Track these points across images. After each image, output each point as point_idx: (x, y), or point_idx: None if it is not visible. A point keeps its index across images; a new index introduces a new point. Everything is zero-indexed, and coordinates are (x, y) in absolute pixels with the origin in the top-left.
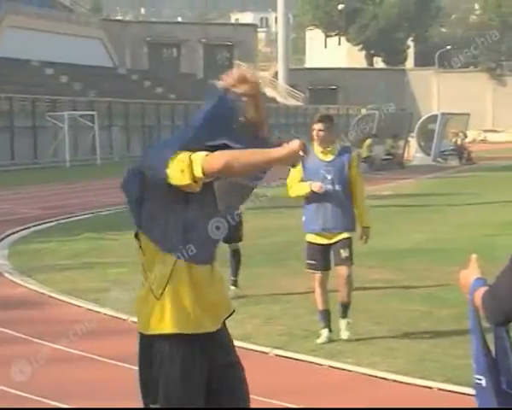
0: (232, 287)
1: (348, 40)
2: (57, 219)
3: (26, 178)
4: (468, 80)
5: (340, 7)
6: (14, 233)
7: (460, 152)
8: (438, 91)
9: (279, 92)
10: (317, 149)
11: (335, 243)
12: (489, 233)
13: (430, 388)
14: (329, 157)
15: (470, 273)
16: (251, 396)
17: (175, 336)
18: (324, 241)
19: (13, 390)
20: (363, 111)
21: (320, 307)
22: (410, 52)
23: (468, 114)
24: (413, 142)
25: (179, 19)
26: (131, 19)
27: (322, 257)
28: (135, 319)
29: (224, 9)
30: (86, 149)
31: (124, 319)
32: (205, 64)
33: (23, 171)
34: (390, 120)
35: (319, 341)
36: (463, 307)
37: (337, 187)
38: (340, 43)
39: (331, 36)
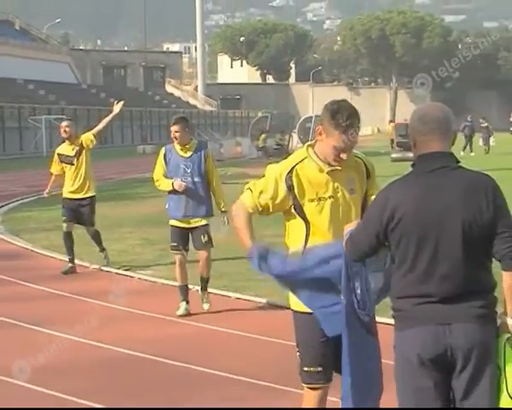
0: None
1: (248, 63)
2: (38, 194)
3: (14, 165)
4: (333, 91)
5: (242, 39)
6: (5, 205)
7: None
8: (312, 99)
9: (199, 101)
10: (177, 147)
11: (195, 228)
12: None
13: None
14: (188, 153)
15: (352, 224)
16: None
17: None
18: (185, 225)
19: (7, 319)
20: (259, 114)
21: (179, 282)
22: (292, 72)
23: None
24: (295, 136)
25: (126, 48)
26: (91, 48)
27: (182, 239)
28: (86, 264)
29: (158, 40)
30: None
31: (86, 266)
32: (144, 81)
33: (12, 160)
34: (278, 121)
35: (178, 312)
36: None
37: (196, 179)
38: (242, 65)
39: (236, 59)
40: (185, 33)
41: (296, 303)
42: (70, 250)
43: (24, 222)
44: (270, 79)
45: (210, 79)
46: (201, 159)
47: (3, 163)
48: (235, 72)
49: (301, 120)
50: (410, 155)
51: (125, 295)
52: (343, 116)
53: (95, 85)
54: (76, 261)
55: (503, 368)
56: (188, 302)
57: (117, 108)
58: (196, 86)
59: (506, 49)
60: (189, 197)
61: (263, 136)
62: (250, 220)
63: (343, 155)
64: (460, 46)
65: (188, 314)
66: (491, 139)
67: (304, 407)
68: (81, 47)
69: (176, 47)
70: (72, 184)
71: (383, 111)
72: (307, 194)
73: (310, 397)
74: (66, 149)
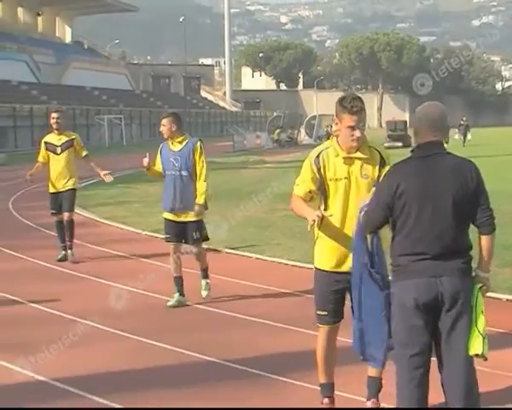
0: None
1: (265, 74)
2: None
3: None
4: (333, 96)
5: (261, 55)
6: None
7: (329, 136)
8: (316, 102)
9: (227, 103)
10: (170, 142)
11: (186, 223)
12: None
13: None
14: (178, 147)
15: (361, 200)
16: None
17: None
18: (175, 218)
19: (78, 273)
20: (274, 114)
21: (173, 273)
22: (300, 80)
23: (333, 115)
24: (302, 130)
25: (170, 62)
26: (143, 62)
27: (174, 232)
28: (149, 233)
29: (195, 56)
30: (117, 137)
31: (138, 232)
32: (184, 87)
33: None
34: (289, 119)
35: (169, 304)
36: None
37: (183, 173)
38: (260, 75)
39: (256, 71)
40: (216, 50)
41: (317, 262)
42: (62, 239)
43: (90, 198)
44: (282, 86)
45: (235, 86)
46: (190, 153)
47: None
48: (256, 80)
49: (307, 118)
50: (399, 144)
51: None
52: (347, 99)
53: (145, 91)
54: (130, 228)
55: (474, 308)
56: (182, 294)
57: (107, 179)
58: (225, 92)
59: (468, 64)
60: (176, 190)
61: (277, 131)
62: (304, 202)
63: (356, 132)
64: (432, 60)
65: (179, 306)
66: (469, 134)
67: (318, 340)
68: (135, 61)
69: (209, 61)
70: (55, 175)
71: (372, 111)
72: (328, 175)
73: (321, 333)
74: (53, 138)
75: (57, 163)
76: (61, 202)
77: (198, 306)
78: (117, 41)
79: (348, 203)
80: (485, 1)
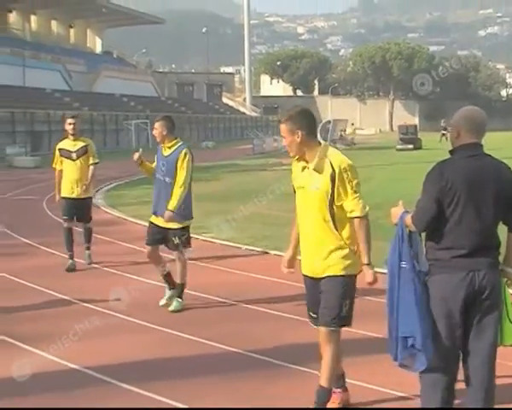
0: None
1: (283, 81)
2: (128, 178)
3: (112, 157)
4: (346, 102)
5: (278, 63)
6: (105, 186)
7: (343, 139)
8: (331, 107)
9: (247, 109)
10: (162, 146)
11: (168, 229)
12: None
13: None
14: (167, 153)
15: (399, 209)
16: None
17: None
18: (157, 223)
19: (106, 268)
20: None
21: (160, 273)
22: (316, 87)
23: (347, 120)
24: (318, 134)
25: (193, 70)
26: (168, 70)
27: (152, 235)
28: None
29: (216, 65)
30: (144, 140)
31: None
32: (207, 94)
33: (110, 152)
34: None
35: (161, 303)
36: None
37: (167, 179)
38: (278, 82)
39: (274, 78)
40: (236, 59)
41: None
42: (70, 247)
43: (118, 198)
44: (299, 92)
45: (255, 92)
46: (176, 159)
47: (104, 155)
48: (274, 87)
49: (323, 122)
50: (410, 146)
51: (197, 251)
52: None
53: (170, 98)
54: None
55: (504, 301)
56: (170, 288)
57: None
58: (245, 98)
59: (474, 70)
60: (160, 195)
61: None
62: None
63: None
64: (441, 68)
65: (166, 304)
66: None
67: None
68: (161, 70)
69: (230, 69)
70: (69, 181)
71: (383, 117)
72: (294, 183)
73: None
74: (68, 144)
75: (73, 169)
76: (76, 209)
77: (224, 300)
78: (144, 51)
79: (304, 212)
80: (491, 12)
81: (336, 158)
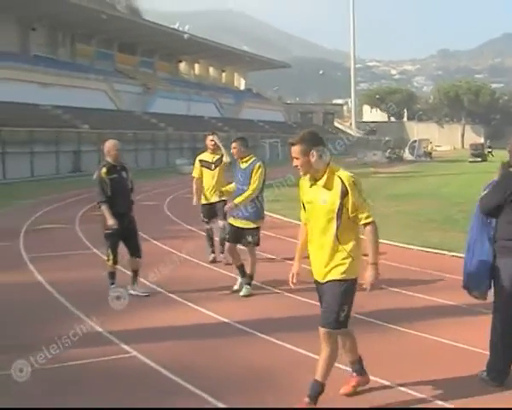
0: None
1: (380, 110)
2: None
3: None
4: (428, 126)
5: (377, 96)
6: None
7: (426, 154)
8: (416, 130)
9: (353, 131)
10: (239, 160)
11: (247, 229)
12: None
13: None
14: (244, 166)
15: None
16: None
17: None
18: (239, 224)
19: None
20: (387, 138)
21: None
22: (405, 115)
23: (428, 139)
24: (406, 150)
25: (312, 102)
26: (293, 102)
27: (232, 232)
28: (290, 219)
29: (329, 98)
30: (274, 155)
31: (290, 221)
32: (323, 120)
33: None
34: (397, 142)
35: (234, 288)
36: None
37: (245, 187)
38: (376, 111)
39: (373, 108)
40: (345, 94)
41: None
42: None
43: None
44: (392, 119)
45: (358, 118)
46: (251, 171)
47: (152, 173)
48: (373, 114)
49: (410, 141)
50: (478, 159)
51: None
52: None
53: (295, 123)
54: (284, 218)
55: None
56: (242, 277)
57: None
58: (351, 123)
59: None
60: None
61: (388, 150)
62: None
63: (294, 162)
64: (500, 101)
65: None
66: None
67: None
68: (288, 102)
69: (340, 101)
70: (208, 188)
71: (457, 137)
72: (303, 198)
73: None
74: (207, 156)
75: (211, 177)
76: (214, 212)
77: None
78: (275, 88)
79: (312, 223)
80: None
81: (345, 175)
